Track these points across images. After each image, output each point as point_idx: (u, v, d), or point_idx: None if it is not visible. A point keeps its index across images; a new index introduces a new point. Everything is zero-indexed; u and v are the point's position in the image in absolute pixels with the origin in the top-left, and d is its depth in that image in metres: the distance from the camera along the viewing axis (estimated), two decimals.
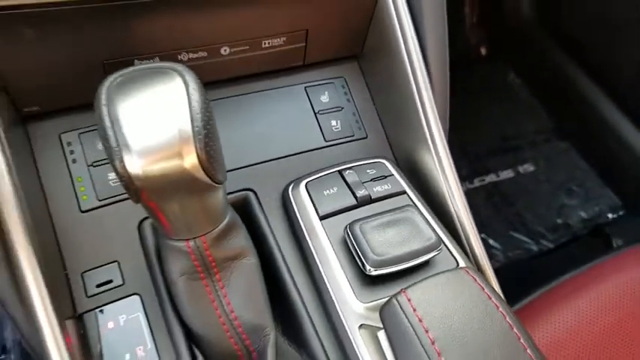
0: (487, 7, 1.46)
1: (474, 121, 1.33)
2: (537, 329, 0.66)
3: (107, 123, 0.28)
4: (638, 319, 0.68)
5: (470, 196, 1.24)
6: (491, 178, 1.27)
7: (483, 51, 1.51)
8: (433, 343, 0.34)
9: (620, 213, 1.22)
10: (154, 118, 0.28)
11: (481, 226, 1.17)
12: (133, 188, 0.29)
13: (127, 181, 0.28)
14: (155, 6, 0.38)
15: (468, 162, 1.28)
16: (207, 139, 0.29)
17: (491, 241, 1.15)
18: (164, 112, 0.28)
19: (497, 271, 1.16)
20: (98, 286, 0.39)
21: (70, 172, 0.41)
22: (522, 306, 0.71)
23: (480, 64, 1.50)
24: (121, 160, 0.27)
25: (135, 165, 0.28)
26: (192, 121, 0.28)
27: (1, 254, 0.35)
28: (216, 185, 0.31)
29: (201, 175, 0.29)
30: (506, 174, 1.28)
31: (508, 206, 1.22)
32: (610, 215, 1.22)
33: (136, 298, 0.38)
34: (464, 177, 1.26)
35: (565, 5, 1.26)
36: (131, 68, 0.30)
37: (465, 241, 0.45)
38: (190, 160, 0.28)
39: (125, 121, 0.28)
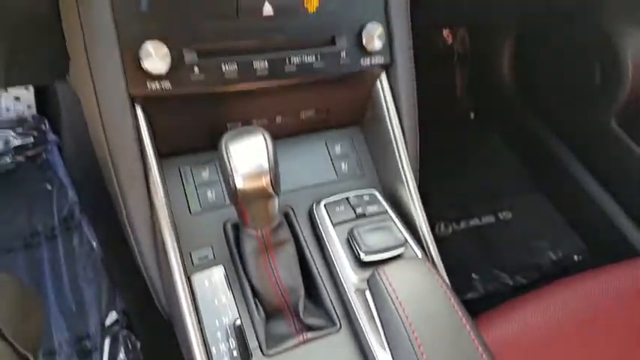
0: (474, 79, 1.76)
1: (463, 173, 1.59)
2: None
3: (226, 158, 0.53)
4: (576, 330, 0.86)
5: (456, 235, 1.48)
6: (475, 221, 1.51)
7: (472, 115, 1.79)
8: (398, 298, 0.57)
9: (585, 256, 1.44)
10: (249, 157, 0.53)
11: (464, 261, 1.40)
12: (234, 194, 0.53)
13: (233, 190, 0.53)
14: (245, 95, 0.65)
15: (456, 207, 1.52)
16: (274, 170, 0.54)
17: (473, 275, 1.37)
18: (254, 154, 0.53)
19: (477, 301, 1.38)
20: (199, 259, 0.63)
21: (184, 189, 0.67)
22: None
23: (469, 126, 1.78)
24: (233, 179, 0.52)
25: (238, 182, 0.52)
26: (268, 161, 0.53)
27: (152, 241, 0.60)
28: (276, 195, 0.56)
29: (270, 189, 0.54)
30: (488, 219, 1.52)
31: (488, 246, 1.45)
32: (576, 257, 1.44)
33: (222, 267, 0.62)
34: (452, 219, 1.50)
35: (540, 80, 1.54)
36: (237, 129, 0.55)
37: (425, 245, 0.69)
38: (266, 181, 0.53)
39: (235, 157, 0.53)
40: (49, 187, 1.20)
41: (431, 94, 1.61)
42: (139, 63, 0.57)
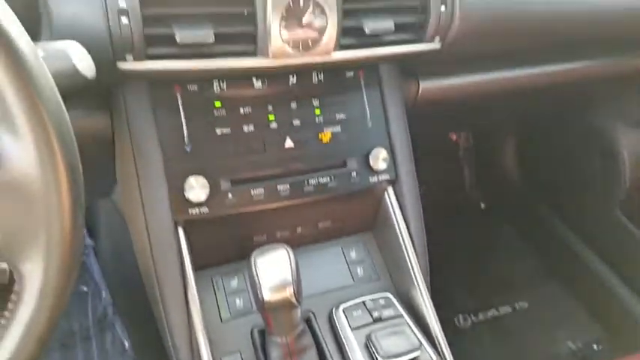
0: (481, 171, 1.86)
1: (478, 265, 1.64)
2: None
3: (255, 273, 0.61)
4: None
5: (476, 327, 1.50)
6: (492, 312, 1.53)
7: (482, 206, 1.86)
8: None
9: (604, 345, 1.44)
10: (275, 272, 0.61)
11: (484, 354, 1.41)
12: (262, 305, 0.61)
13: (260, 302, 0.61)
14: (270, 212, 0.75)
15: (473, 299, 1.55)
16: (297, 282, 0.62)
17: None
18: (279, 269, 0.62)
19: None
20: None
21: (216, 298, 0.75)
22: None
23: (481, 217, 1.85)
24: (260, 291, 0.60)
25: (266, 295, 0.60)
26: (291, 274, 0.61)
27: (189, 346, 0.67)
28: (298, 305, 0.63)
29: (293, 299, 0.61)
30: (505, 309, 1.54)
31: (507, 337, 1.46)
32: (595, 346, 1.43)
33: None
34: (470, 311, 1.52)
35: (544, 170, 1.63)
36: (263, 247, 0.64)
37: (439, 348, 0.74)
38: (289, 293, 0.61)
39: (262, 272, 0.61)
40: (84, 288, 1.28)
41: (440, 189, 1.71)
42: (183, 194, 0.68)
